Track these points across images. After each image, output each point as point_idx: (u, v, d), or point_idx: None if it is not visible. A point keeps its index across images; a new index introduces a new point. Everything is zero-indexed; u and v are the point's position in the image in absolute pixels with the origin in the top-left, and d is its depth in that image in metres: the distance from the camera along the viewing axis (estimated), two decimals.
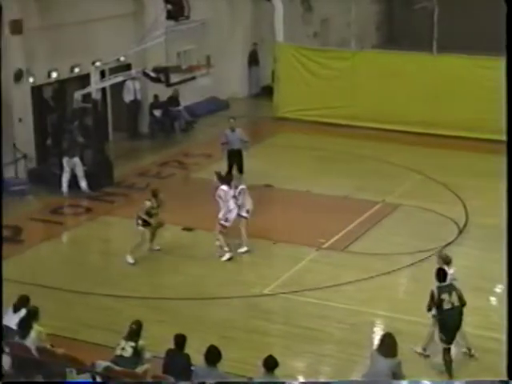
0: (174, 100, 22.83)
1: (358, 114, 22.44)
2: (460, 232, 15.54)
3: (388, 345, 9.66)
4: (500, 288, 13.74)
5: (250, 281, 13.74)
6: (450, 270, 10.96)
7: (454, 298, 10.64)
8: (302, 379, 11.00)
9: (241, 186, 14.74)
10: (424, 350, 11.05)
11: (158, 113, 22.63)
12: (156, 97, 22.50)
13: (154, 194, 14.65)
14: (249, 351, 11.13)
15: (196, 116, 23.79)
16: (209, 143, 21.95)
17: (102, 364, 9.89)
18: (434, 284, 10.86)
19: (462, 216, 16.21)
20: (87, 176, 18.07)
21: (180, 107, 23.05)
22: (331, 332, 11.91)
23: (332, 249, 14.96)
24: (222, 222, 14.40)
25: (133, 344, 9.99)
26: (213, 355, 9.41)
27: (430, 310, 10.70)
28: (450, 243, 15.00)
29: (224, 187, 14.53)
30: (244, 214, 14.61)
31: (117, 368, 9.76)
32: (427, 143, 20.67)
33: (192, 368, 9.63)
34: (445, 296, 10.60)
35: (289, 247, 15.02)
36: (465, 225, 15.81)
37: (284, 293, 13.19)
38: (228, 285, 13.55)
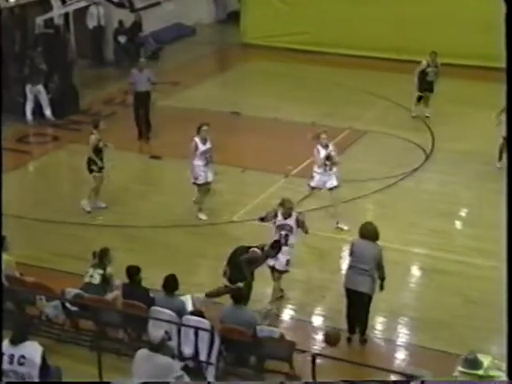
0: (137, 26, 22.37)
1: (325, 40, 22.22)
2: (427, 158, 15.68)
3: (372, 229, 9.90)
4: (465, 212, 13.98)
5: (218, 208, 13.77)
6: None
7: None
8: (270, 305, 11.18)
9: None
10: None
11: (122, 39, 22.21)
12: (121, 23, 22.05)
13: (95, 125, 13.59)
14: (218, 278, 11.19)
15: (162, 42, 23.39)
16: (175, 70, 21.70)
17: (71, 291, 9.95)
18: (397, 211, 10.96)
19: (428, 142, 16.32)
20: (52, 104, 17.78)
21: (145, 33, 22.61)
22: (301, 257, 12.01)
23: (300, 176, 14.97)
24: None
25: (101, 271, 10.04)
26: (170, 284, 9.49)
27: None
28: (416, 169, 15.15)
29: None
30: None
31: (86, 295, 9.83)
32: (396, 69, 20.55)
33: (152, 295, 9.72)
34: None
35: (257, 174, 15.03)
36: (431, 150, 15.93)
37: (252, 220, 13.24)
38: (196, 212, 13.57)
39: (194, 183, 13.21)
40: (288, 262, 10.71)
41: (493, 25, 19.90)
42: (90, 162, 13.47)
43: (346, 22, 21.93)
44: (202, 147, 12.99)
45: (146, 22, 22.50)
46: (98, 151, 13.45)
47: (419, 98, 17.62)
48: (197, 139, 13.02)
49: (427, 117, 17.43)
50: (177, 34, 24.44)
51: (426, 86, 17.36)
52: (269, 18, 23.24)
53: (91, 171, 13.51)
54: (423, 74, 17.28)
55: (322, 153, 12.98)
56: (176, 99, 19.32)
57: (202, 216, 13.29)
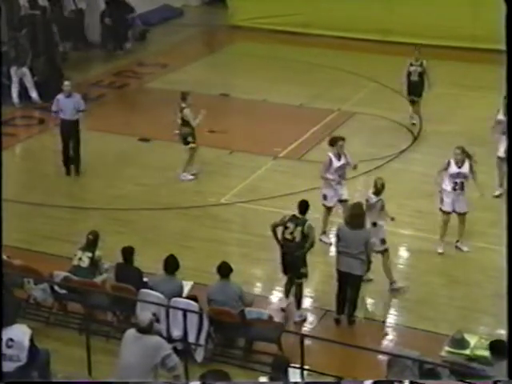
0: (123, 7, 22.15)
1: (313, 22, 22.13)
2: (414, 139, 15.70)
3: (358, 215, 9.86)
4: None
5: (206, 190, 13.76)
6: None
7: (297, 233, 9.96)
8: (260, 285, 11.21)
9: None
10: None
11: (109, 21, 22.01)
12: (107, 4, 21.86)
13: (184, 98, 13.65)
14: (207, 260, 11.22)
15: (149, 24, 23.26)
16: (163, 52, 21.64)
17: (59, 274, 9.95)
18: (385, 192, 11.04)
19: (416, 123, 16.32)
20: (38, 86, 17.66)
21: (134, 14, 22.40)
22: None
23: (288, 158, 15.02)
24: None
25: (90, 254, 10.04)
26: (171, 265, 9.56)
27: (272, 229, 10.18)
28: (404, 150, 15.17)
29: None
30: None
31: (75, 278, 9.82)
32: (383, 50, 20.54)
33: (145, 279, 9.74)
34: (290, 225, 10.00)
35: (245, 156, 15.02)
36: (419, 132, 15.95)
37: (241, 202, 13.27)
38: (185, 194, 13.56)
39: (323, 204, 11.89)
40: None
41: (481, 6, 20.07)
42: (186, 134, 13.64)
43: (335, 4, 21.80)
44: (336, 163, 11.66)
45: (134, 4, 22.31)
46: (189, 122, 13.62)
47: (412, 102, 16.06)
48: (331, 154, 11.68)
49: (413, 124, 16.12)
50: (164, 16, 24.30)
51: (410, 87, 15.79)
52: (256, 0, 23.11)
53: (187, 143, 13.70)
54: (408, 74, 15.73)
55: (453, 169, 11.42)
56: (164, 81, 19.25)
57: (325, 239, 11.90)
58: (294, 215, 10.10)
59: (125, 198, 13.49)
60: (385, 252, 10.75)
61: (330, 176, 11.69)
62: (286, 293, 10.40)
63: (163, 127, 16.00)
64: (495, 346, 7.68)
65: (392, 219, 10.95)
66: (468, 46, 20.24)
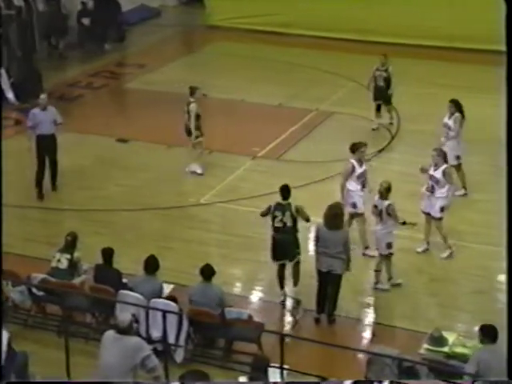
0: (114, 3, 22.01)
1: (292, 22, 22.15)
2: (392, 138, 15.76)
3: (335, 215, 9.86)
4: None
5: (185, 191, 13.75)
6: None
7: (287, 218, 10.12)
8: (239, 285, 11.19)
9: None
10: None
11: (86, 21, 21.90)
12: (84, 4, 21.75)
13: (192, 93, 13.94)
14: (187, 261, 11.22)
15: (126, 25, 23.17)
16: (141, 52, 21.58)
17: (37, 276, 9.88)
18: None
19: (394, 122, 16.38)
20: (15, 87, 17.53)
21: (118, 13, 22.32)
22: (268, 239, 12.03)
23: (267, 157, 15.02)
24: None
25: (68, 256, 9.99)
26: (151, 265, 9.54)
27: (262, 215, 10.45)
28: (382, 149, 15.22)
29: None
30: None
31: (53, 280, 9.76)
32: (363, 50, 20.56)
33: (125, 281, 9.71)
34: (277, 213, 10.15)
35: (224, 156, 14.99)
36: (397, 131, 16.02)
37: (220, 202, 13.25)
38: (164, 195, 13.53)
39: (354, 213, 11.48)
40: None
41: (460, 6, 20.17)
42: (194, 128, 13.83)
43: (314, 4, 21.83)
44: (359, 169, 11.37)
45: None
46: (197, 117, 13.77)
47: (378, 108, 15.95)
48: (353, 160, 11.37)
49: (391, 123, 16.11)
50: (142, 16, 24.23)
51: (376, 93, 15.76)
52: (234, 0, 23.09)
53: (196, 137, 13.86)
54: (374, 79, 15.70)
55: (430, 170, 11.39)
56: (142, 82, 19.20)
57: (369, 252, 11.43)
58: (278, 203, 10.20)
59: (103, 198, 13.42)
60: (388, 255, 10.74)
61: (350, 185, 11.38)
62: (281, 283, 10.44)
63: (142, 128, 15.97)
64: (485, 329, 7.82)
65: (403, 223, 10.82)
66: (447, 45, 20.33)
